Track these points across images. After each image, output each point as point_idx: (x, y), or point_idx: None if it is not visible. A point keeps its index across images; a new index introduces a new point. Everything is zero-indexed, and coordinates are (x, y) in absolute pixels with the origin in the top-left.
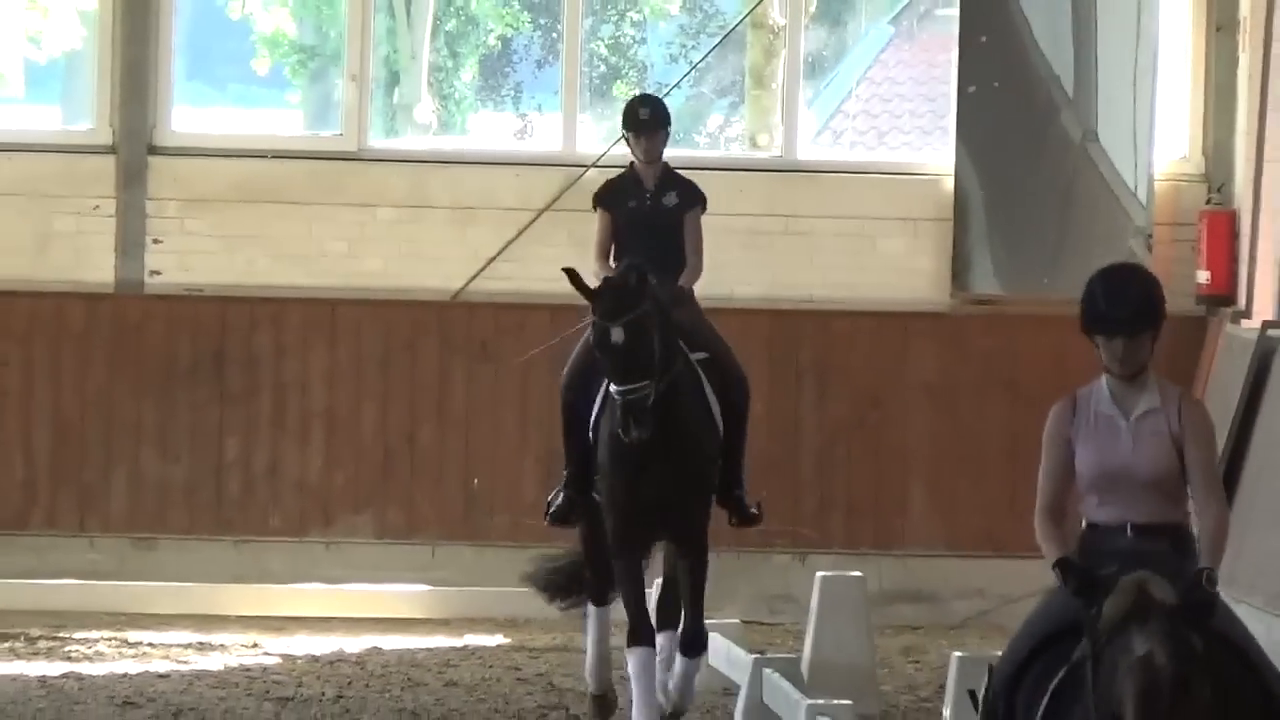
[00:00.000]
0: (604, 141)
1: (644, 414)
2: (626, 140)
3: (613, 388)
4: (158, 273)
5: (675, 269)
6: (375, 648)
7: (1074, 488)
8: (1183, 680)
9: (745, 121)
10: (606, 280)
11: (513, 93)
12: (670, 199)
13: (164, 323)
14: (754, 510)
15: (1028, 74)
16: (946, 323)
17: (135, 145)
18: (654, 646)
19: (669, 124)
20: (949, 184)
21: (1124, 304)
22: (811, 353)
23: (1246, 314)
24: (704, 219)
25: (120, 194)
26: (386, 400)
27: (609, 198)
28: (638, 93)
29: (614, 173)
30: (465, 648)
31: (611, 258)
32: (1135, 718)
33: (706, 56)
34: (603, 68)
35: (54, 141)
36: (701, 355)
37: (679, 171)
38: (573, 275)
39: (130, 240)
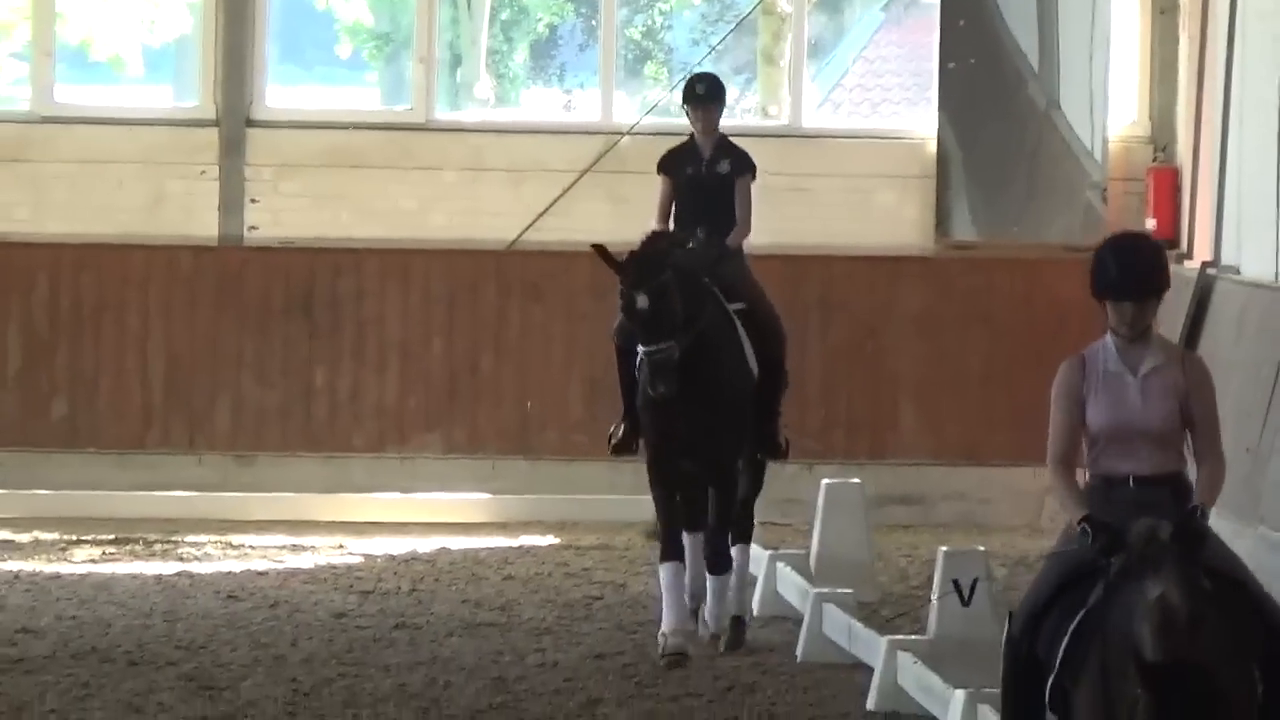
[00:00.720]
0: (636, 113)
1: (669, 373)
2: (686, 113)
3: (640, 348)
4: (255, 228)
5: (726, 229)
6: (443, 548)
7: (1082, 439)
8: (1197, 617)
9: (758, 95)
10: (631, 254)
11: (558, 72)
12: (723, 167)
13: (261, 270)
14: (780, 445)
15: (999, 52)
16: (931, 265)
17: (235, 119)
18: (683, 562)
19: (723, 98)
20: (932, 146)
21: (1133, 272)
22: (816, 291)
23: (1188, 255)
24: None
25: (223, 161)
26: (452, 335)
27: (670, 164)
28: (697, 71)
29: (647, 139)
30: (520, 547)
31: (672, 219)
32: (1154, 654)
33: (724, 40)
34: (635, 50)
35: (166, 116)
36: (739, 306)
37: (733, 142)
38: (601, 251)
39: (231, 200)
